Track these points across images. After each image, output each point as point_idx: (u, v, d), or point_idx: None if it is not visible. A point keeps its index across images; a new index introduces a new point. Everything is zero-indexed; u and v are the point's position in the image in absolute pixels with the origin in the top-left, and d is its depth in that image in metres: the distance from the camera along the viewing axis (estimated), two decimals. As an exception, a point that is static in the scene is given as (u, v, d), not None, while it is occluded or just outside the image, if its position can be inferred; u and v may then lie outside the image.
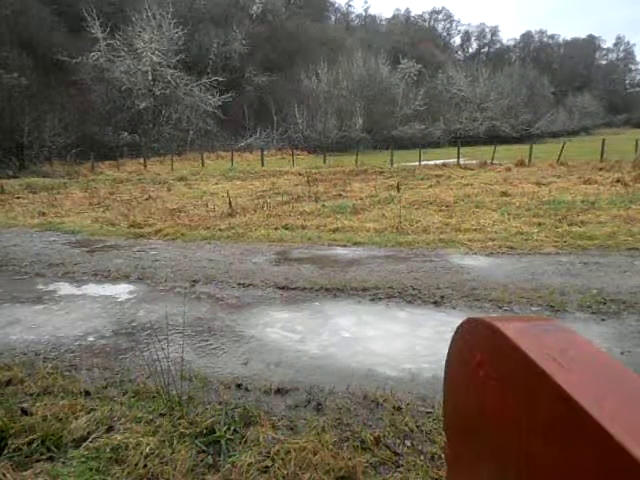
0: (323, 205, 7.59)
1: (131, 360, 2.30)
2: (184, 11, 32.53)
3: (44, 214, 7.50)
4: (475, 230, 5.35)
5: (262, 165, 19.59)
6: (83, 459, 1.48)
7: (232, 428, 1.63)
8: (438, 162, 17.40)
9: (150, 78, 29.50)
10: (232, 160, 21.31)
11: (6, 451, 1.51)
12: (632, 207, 6.29)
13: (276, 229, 5.76)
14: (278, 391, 1.97)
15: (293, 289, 3.36)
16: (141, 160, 20.70)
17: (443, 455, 1.48)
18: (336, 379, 2.07)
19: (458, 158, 17.61)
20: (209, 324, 2.76)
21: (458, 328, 0.52)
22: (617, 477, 0.29)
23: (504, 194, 8.10)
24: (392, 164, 18.22)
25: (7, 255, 4.57)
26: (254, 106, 36.63)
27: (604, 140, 16.09)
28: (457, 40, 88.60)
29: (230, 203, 7.31)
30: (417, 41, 62.36)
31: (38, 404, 1.78)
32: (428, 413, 1.78)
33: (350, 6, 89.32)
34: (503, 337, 0.42)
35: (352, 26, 70.31)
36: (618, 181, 9.27)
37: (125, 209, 7.69)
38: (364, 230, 5.53)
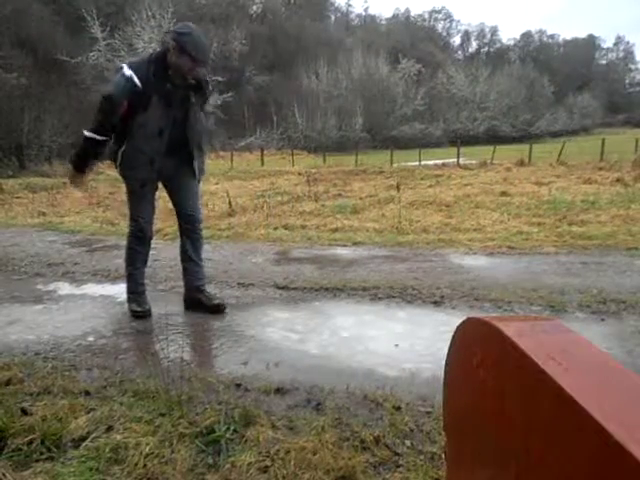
0: (323, 205, 7.59)
1: (131, 360, 2.30)
2: (184, 11, 32.50)
3: (44, 214, 7.50)
4: (475, 230, 5.35)
5: (262, 165, 19.59)
6: (83, 459, 1.48)
7: (232, 428, 1.63)
8: (438, 162, 17.40)
9: (150, 78, 29.42)
10: (232, 160, 21.32)
11: (6, 451, 1.51)
12: (632, 207, 6.29)
13: (276, 229, 5.76)
14: (278, 391, 1.97)
15: (293, 289, 3.36)
16: (141, 160, 20.64)
17: (443, 455, 1.48)
18: (336, 379, 2.07)
19: (458, 158, 17.62)
20: (209, 324, 2.76)
21: (458, 328, 0.52)
22: (617, 476, 0.29)
23: (504, 194, 8.11)
24: (392, 164, 18.21)
25: (6, 255, 4.57)
26: (254, 106, 36.62)
27: (604, 140, 16.11)
28: (457, 40, 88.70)
29: (230, 203, 7.31)
30: (417, 41, 62.31)
31: (38, 404, 1.78)
32: (428, 413, 1.78)
33: (350, 6, 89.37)
34: (503, 337, 0.42)
35: (352, 26, 70.27)
36: (618, 181, 9.29)
37: (125, 209, 7.67)
38: (364, 230, 5.53)
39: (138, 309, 2.88)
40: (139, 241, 2.91)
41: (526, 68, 56.65)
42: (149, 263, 4.19)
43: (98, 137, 2.57)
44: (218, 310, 2.91)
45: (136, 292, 2.94)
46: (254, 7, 43.81)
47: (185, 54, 2.50)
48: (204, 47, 2.65)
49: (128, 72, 2.51)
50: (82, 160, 2.69)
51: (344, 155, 26.07)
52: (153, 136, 2.63)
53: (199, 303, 2.94)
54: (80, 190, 2.91)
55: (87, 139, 2.58)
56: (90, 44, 28.91)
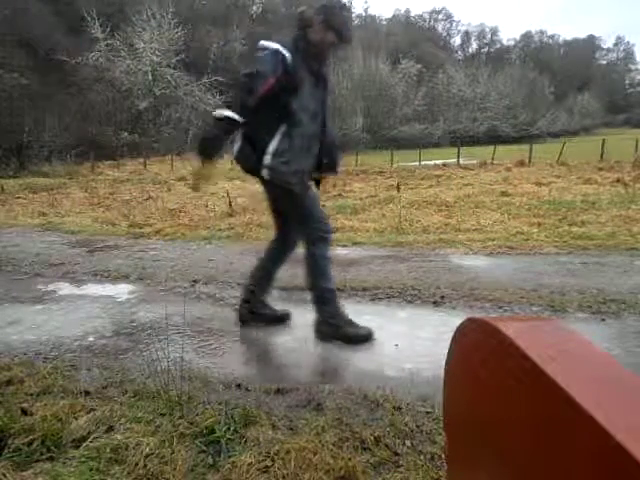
0: (323, 205, 7.58)
1: (131, 360, 2.30)
2: (184, 11, 32.50)
3: (44, 214, 7.50)
4: (475, 230, 5.35)
5: (262, 165, 19.56)
6: (83, 459, 1.48)
7: (232, 428, 1.63)
8: (438, 162, 17.37)
9: (150, 78, 29.49)
10: (232, 160, 21.29)
11: (6, 451, 1.51)
12: (632, 207, 6.29)
13: (276, 229, 5.75)
14: (278, 391, 1.97)
15: (293, 289, 3.36)
16: (141, 160, 20.70)
17: (443, 455, 1.48)
18: (336, 379, 2.07)
19: (458, 158, 17.61)
20: (209, 324, 2.76)
21: (458, 328, 0.52)
22: (617, 477, 0.29)
23: (504, 194, 8.11)
24: (392, 164, 18.20)
25: (7, 255, 4.57)
26: (254, 106, 36.59)
27: (604, 140, 16.11)
28: (457, 40, 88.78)
29: (230, 203, 7.31)
30: (417, 41, 62.32)
31: (38, 404, 1.78)
32: (428, 413, 1.78)
33: (350, 6, 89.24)
34: (503, 337, 0.42)
35: (352, 26, 70.12)
36: (618, 181, 9.29)
37: (125, 209, 7.69)
38: (364, 230, 5.53)
39: (363, 332, 2.40)
40: (328, 245, 2.42)
41: (526, 68, 56.67)
42: (149, 263, 4.22)
43: (237, 117, 2.14)
44: (283, 320, 2.62)
45: (342, 313, 2.42)
46: (254, 7, 43.84)
47: (332, 30, 2.26)
48: (350, 25, 2.40)
49: (275, 46, 2.22)
50: (214, 145, 2.21)
51: (344, 155, 26.06)
52: (309, 121, 2.31)
53: (264, 316, 2.65)
54: (204, 185, 2.28)
55: (221, 120, 2.15)
56: (90, 44, 28.90)
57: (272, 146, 2.24)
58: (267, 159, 2.25)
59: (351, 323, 2.40)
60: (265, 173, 2.28)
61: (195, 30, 33.87)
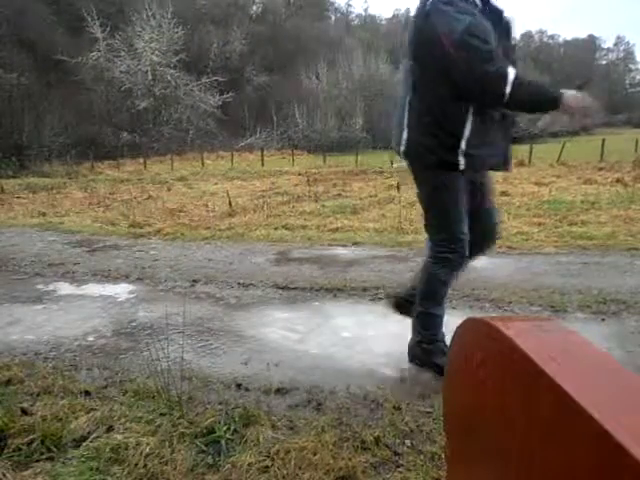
0: (323, 205, 7.59)
1: (131, 360, 2.30)
2: (184, 11, 32.47)
3: (44, 214, 7.50)
4: (475, 230, 5.34)
5: (262, 165, 19.58)
6: (83, 459, 1.48)
7: (232, 428, 1.63)
8: (438, 162, 17.30)
9: (150, 78, 29.49)
10: (232, 160, 21.32)
11: (6, 451, 1.51)
12: (632, 207, 6.29)
13: (276, 229, 5.76)
14: (278, 391, 1.97)
15: (293, 289, 3.36)
16: (141, 160, 20.69)
17: (443, 455, 1.48)
18: (336, 379, 2.07)
19: (458, 158, 17.52)
20: (209, 324, 2.76)
21: (458, 328, 0.52)
22: (617, 477, 0.29)
23: (504, 194, 8.09)
24: (392, 164, 18.17)
25: (7, 255, 4.57)
26: (254, 106, 36.59)
27: (604, 140, 16.09)
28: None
29: (230, 203, 7.31)
30: (417, 41, 62.18)
31: (38, 404, 1.78)
32: (428, 413, 1.78)
33: (350, 6, 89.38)
34: (503, 337, 0.42)
35: (352, 26, 70.14)
36: (618, 181, 9.28)
37: (125, 209, 7.68)
38: (364, 230, 5.53)
39: None
40: (457, 269, 2.04)
41: (526, 68, 56.62)
42: (149, 263, 4.21)
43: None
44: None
45: (441, 340, 2.10)
46: (254, 7, 43.82)
47: None
48: None
49: None
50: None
51: (344, 155, 26.04)
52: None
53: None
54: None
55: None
56: (90, 44, 28.89)
57: (468, 122, 1.87)
58: (463, 140, 1.87)
59: (445, 351, 2.06)
60: (450, 157, 1.89)
61: (195, 30, 33.84)
